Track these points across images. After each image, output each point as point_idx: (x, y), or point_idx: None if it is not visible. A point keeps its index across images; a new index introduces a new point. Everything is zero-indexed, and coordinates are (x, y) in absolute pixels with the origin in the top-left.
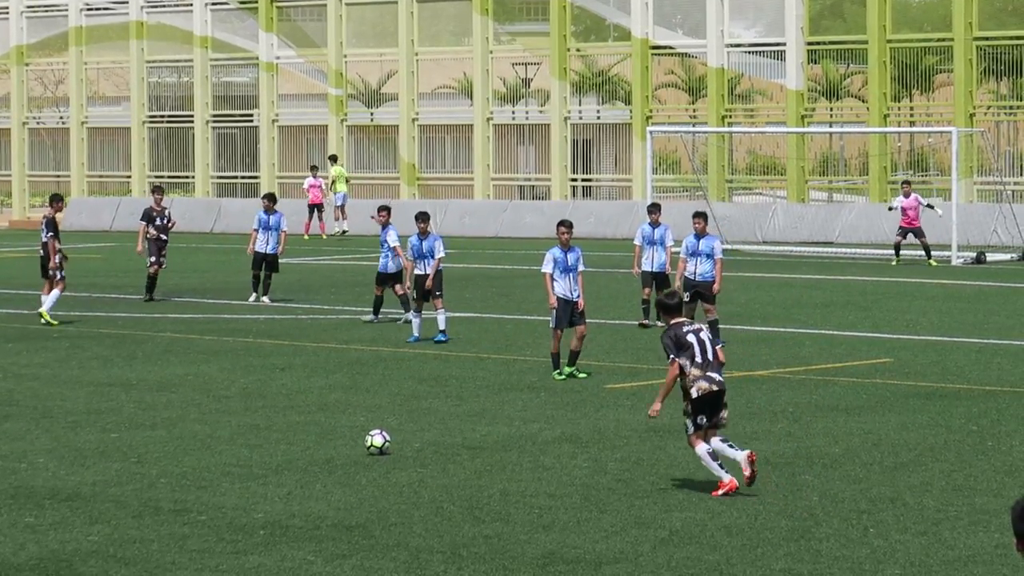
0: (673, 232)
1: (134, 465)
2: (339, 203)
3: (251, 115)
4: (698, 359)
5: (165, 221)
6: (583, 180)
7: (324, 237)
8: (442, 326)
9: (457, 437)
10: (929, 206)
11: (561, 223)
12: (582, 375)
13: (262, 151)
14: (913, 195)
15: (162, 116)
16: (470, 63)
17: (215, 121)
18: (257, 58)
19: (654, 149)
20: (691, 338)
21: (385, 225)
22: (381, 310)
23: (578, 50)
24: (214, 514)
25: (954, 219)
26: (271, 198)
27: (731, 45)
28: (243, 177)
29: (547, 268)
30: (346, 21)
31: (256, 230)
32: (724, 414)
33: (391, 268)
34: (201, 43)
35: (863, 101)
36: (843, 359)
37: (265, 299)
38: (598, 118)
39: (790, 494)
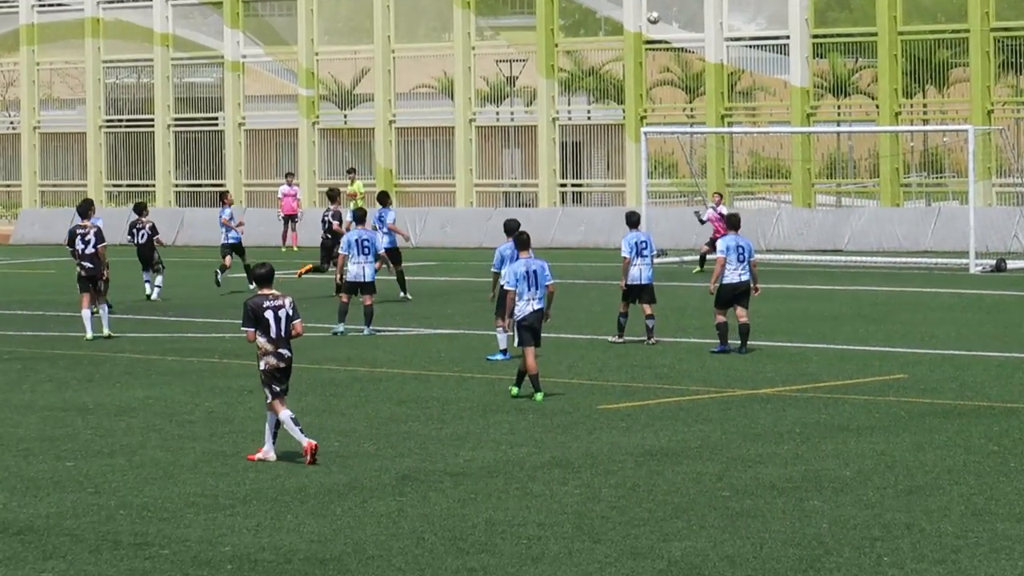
0: (666, 240)
1: (91, 496)
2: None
3: (216, 118)
4: (272, 334)
5: (141, 238)
6: (573, 185)
7: (295, 250)
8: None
9: (439, 463)
10: (696, 213)
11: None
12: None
13: (228, 157)
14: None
15: (120, 120)
16: (451, 60)
17: (177, 125)
18: (222, 57)
19: (649, 151)
20: (269, 314)
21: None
22: (374, 326)
23: (566, 51)
24: (178, 548)
25: (971, 224)
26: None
27: (731, 39)
28: (207, 185)
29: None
30: (317, 16)
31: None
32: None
33: (367, 275)
34: (162, 41)
35: (873, 98)
36: (854, 375)
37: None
38: (589, 119)
39: (797, 521)
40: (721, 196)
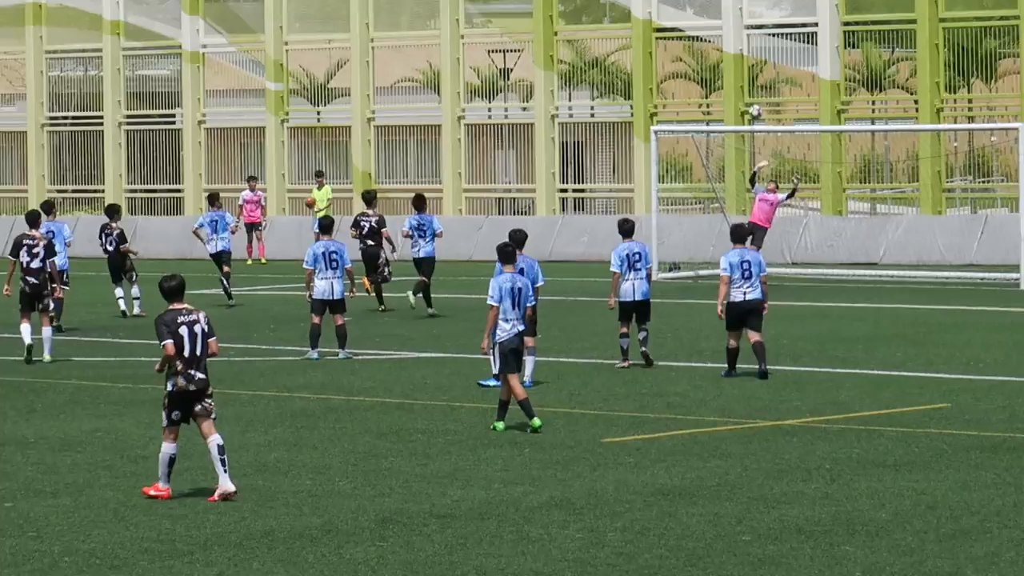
0: (679, 252)
1: (32, 541)
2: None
3: (173, 116)
4: (185, 353)
5: (110, 244)
6: (574, 191)
7: (264, 262)
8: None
9: (424, 503)
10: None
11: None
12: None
13: (186, 159)
14: None
15: (65, 118)
16: (437, 51)
17: (129, 123)
18: (180, 47)
19: (660, 153)
20: (183, 330)
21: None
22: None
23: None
24: None
25: (1023, 234)
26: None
27: (752, 26)
28: (163, 191)
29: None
30: (287, 1)
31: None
32: (208, 406)
33: (336, 292)
34: (112, 29)
35: (911, 93)
36: (890, 405)
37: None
38: (592, 116)
39: (827, 568)
40: (776, 185)
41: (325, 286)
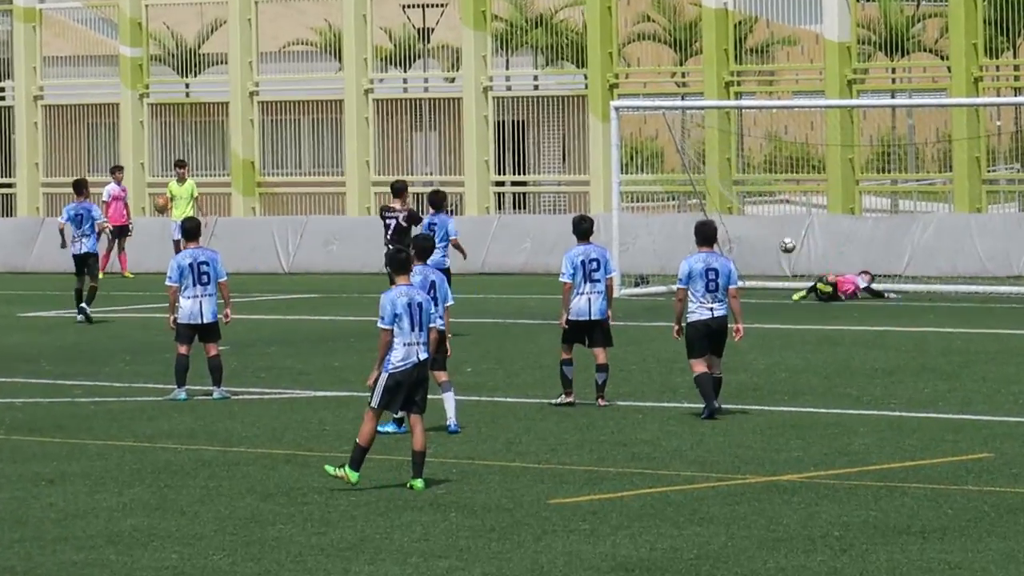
0: (648, 261)
1: None
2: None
3: (1, 89)
4: None
5: None
6: (514, 184)
7: (129, 277)
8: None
9: None
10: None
11: None
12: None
13: (18, 143)
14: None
15: None
16: (338, 7)
17: None
18: (10, 2)
19: (623, 135)
20: None
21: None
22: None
23: None
24: None
25: None
26: None
27: None
28: None
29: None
30: None
31: None
32: None
33: (207, 315)
34: None
35: (943, 58)
36: (917, 455)
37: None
38: (536, 88)
39: None
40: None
41: (193, 307)
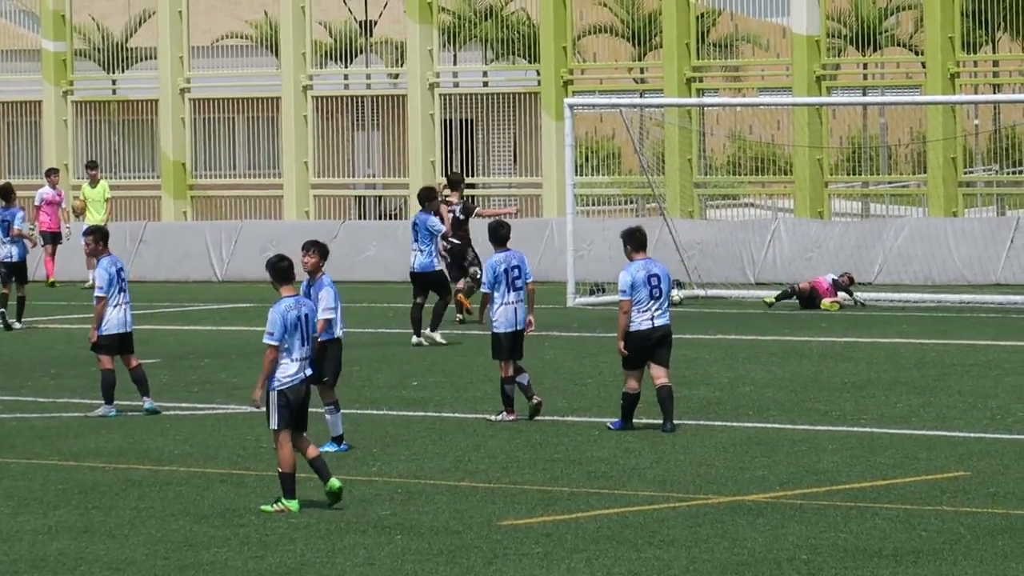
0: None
1: None
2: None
3: None
4: None
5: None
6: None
7: (51, 284)
8: (337, 430)
9: None
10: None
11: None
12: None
13: None
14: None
15: None
16: None
17: None
18: None
19: (578, 134)
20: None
21: None
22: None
23: None
24: None
25: None
26: None
27: None
28: None
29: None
30: None
31: None
32: None
33: (129, 323)
34: None
35: (917, 53)
36: (889, 473)
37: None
38: (485, 85)
39: None
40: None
41: (119, 315)
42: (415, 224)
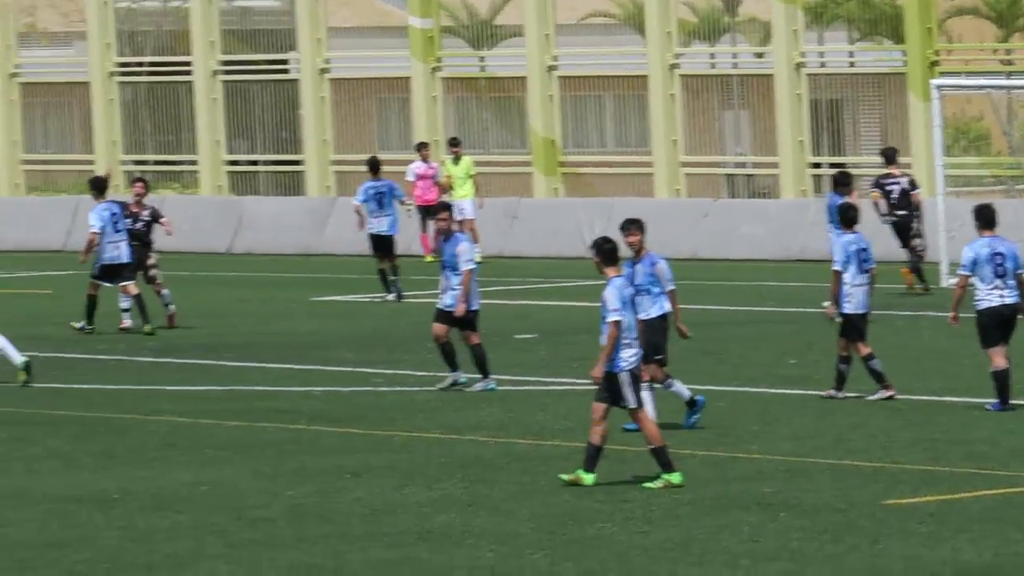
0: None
1: None
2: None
3: (285, 62)
4: None
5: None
6: (831, 166)
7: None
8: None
9: None
10: None
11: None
12: None
13: (307, 119)
14: None
15: (140, 64)
16: None
17: (227, 72)
18: None
19: (946, 116)
20: None
21: None
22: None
23: None
24: None
25: None
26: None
27: None
28: (274, 163)
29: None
30: None
31: None
32: None
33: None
34: None
35: None
36: None
37: None
38: (851, 65)
39: None
40: None
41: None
42: (828, 208)
